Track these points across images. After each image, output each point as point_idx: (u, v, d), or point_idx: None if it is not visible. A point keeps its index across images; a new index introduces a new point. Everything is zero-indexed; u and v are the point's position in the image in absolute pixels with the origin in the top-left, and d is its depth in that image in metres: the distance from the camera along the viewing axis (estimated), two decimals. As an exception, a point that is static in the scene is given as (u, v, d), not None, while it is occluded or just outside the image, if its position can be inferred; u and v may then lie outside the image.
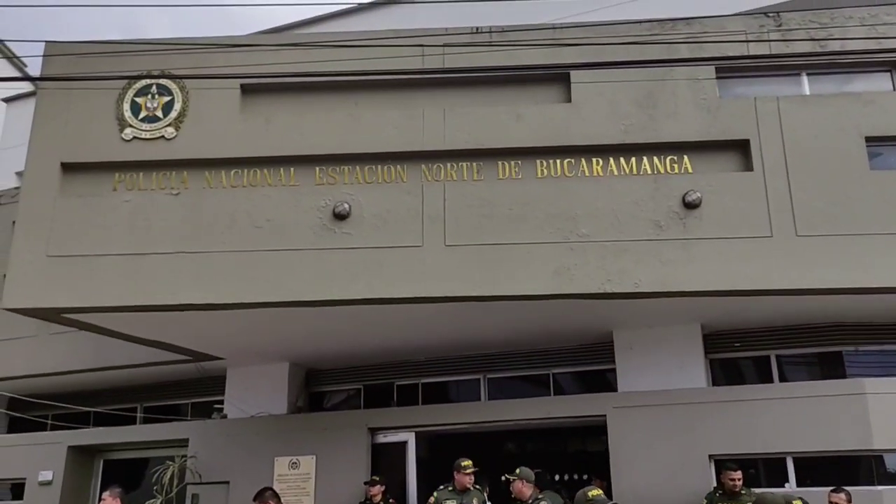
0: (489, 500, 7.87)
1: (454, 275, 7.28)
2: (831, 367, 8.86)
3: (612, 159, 7.58)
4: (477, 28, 8.03)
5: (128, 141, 7.79)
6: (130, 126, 7.82)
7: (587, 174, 7.57)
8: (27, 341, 10.87)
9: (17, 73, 18.91)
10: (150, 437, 11.01)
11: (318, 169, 7.69)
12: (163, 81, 7.97)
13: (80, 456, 11.42)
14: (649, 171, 7.54)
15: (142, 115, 7.86)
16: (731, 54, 7.68)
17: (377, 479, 8.88)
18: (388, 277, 7.30)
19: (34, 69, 18.53)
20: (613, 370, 9.24)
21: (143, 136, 7.79)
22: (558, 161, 7.62)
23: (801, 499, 6.13)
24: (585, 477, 11.28)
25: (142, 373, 11.07)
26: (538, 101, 7.90)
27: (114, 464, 11.69)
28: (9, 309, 7.54)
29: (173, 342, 9.28)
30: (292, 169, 7.71)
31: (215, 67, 7.72)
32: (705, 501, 7.80)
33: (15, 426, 12.46)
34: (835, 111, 7.57)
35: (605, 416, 8.71)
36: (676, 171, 7.54)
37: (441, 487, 7.61)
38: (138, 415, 11.94)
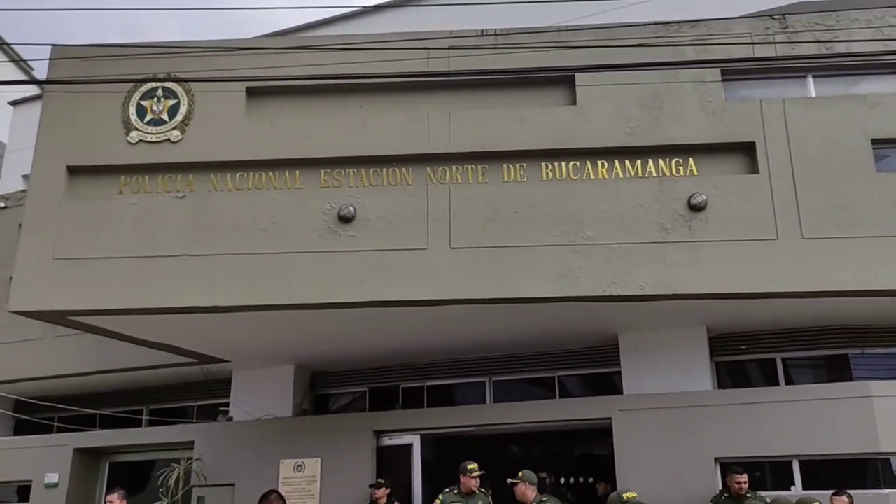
0: (493, 503, 7.85)
1: (459, 277, 7.28)
2: (837, 370, 8.84)
3: (617, 162, 7.58)
4: (482, 31, 8.03)
5: (133, 144, 7.81)
6: (136, 129, 7.84)
7: (592, 177, 7.56)
8: (33, 344, 10.91)
9: (23, 77, 19.01)
10: (155, 440, 11.03)
11: (323, 171, 7.70)
12: (168, 84, 7.99)
13: (86, 458, 11.45)
14: (654, 174, 7.52)
15: (147, 118, 7.88)
16: (736, 56, 7.67)
17: (382, 481, 8.87)
18: (393, 280, 7.31)
19: (40, 72, 18.59)
20: (619, 373, 9.22)
21: (148, 139, 7.81)
22: (563, 163, 7.61)
23: (819, 502, 6.08)
24: (591, 480, 11.30)
25: (147, 375, 11.10)
26: (543, 103, 7.89)
27: (120, 466, 11.72)
28: (15, 311, 7.57)
29: (179, 345, 9.30)
30: (297, 171, 7.72)
31: (221, 70, 7.75)
32: (711, 505, 7.79)
33: (21, 428, 12.50)
34: (841, 113, 7.55)
35: (610, 418, 8.69)
36: (682, 173, 7.52)
37: (446, 490, 7.60)
38: (144, 417, 11.97)
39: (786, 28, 7.86)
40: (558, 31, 8.00)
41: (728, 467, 7.87)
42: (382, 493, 8.76)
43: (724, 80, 7.74)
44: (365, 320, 8.15)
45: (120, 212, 7.67)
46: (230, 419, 10.61)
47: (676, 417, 8.37)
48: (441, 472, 9.15)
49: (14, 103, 16.68)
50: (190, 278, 7.40)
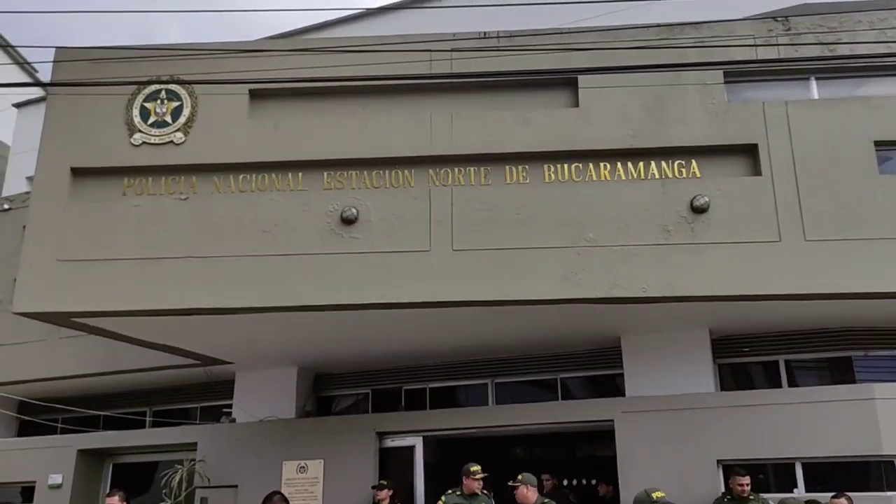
0: (495, 505, 7.86)
1: (462, 279, 7.29)
2: (840, 372, 8.82)
3: (619, 164, 7.58)
4: (485, 33, 8.04)
5: (137, 146, 7.83)
6: (140, 131, 7.86)
7: (595, 179, 7.57)
8: (37, 345, 10.95)
9: (27, 79, 19.05)
10: (159, 441, 11.05)
11: (326, 173, 7.71)
12: (172, 87, 8.00)
13: (90, 459, 11.47)
14: (657, 176, 7.52)
15: (151, 120, 7.90)
16: (739, 59, 7.66)
17: (385, 483, 8.87)
18: (396, 282, 7.31)
19: (45, 74, 18.65)
20: (621, 375, 9.22)
21: (152, 141, 7.83)
22: (566, 165, 7.61)
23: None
24: (593, 482, 11.29)
25: (151, 377, 11.13)
26: (546, 105, 7.90)
27: (123, 467, 11.74)
28: (19, 313, 7.60)
29: (182, 346, 9.32)
30: (300, 173, 7.73)
31: (224, 72, 7.75)
32: (713, 507, 7.78)
33: (25, 430, 12.52)
34: (844, 115, 7.55)
35: (612, 420, 8.69)
36: (684, 175, 7.52)
37: (449, 492, 7.61)
38: (147, 419, 12.00)
39: (789, 30, 7.85)
40: (561, 33, 8.01)
41: (731, 469, 7.85)
42: (385, 494, 8.76)
43: (726, 82, 7.73)
44: (367, 322, 8.15)
45: (123, 214, 7.69)
46: (233, 421, 10.62)
47: (679, 419, 8.36)
48: (443, 474, 9.15)
49: (18, 105, 16.71)
50: (193, 280, 7.42)
